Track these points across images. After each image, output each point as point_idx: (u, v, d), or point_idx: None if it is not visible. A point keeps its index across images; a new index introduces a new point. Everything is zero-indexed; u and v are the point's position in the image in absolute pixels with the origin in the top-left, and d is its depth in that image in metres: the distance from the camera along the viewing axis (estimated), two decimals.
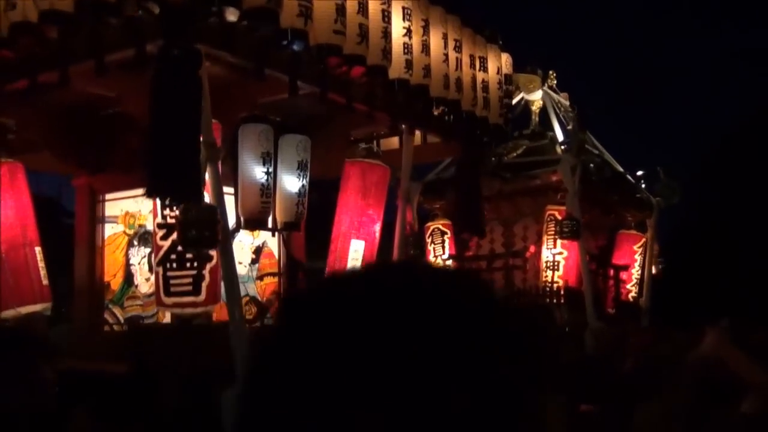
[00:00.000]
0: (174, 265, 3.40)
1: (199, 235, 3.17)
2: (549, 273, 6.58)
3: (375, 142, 5.70)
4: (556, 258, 6.60)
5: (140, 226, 4.48)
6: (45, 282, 4.55)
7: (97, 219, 4.64)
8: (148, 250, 4.42)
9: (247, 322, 4.62)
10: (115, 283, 4.54)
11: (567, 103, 7.35)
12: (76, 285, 4.63)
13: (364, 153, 5.29)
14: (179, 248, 3.47)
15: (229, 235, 3.54)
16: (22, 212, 4.52)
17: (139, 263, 4.46)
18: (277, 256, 4.96)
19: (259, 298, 4.82)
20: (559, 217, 6.53)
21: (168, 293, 3.44)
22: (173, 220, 3.45)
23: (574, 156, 6.09)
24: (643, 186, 7.63)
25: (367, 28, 3.60)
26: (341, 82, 3.82)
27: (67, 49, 3.04)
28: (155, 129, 2.80)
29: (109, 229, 4.61)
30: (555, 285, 6.52)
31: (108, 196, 4.65)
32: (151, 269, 4.43)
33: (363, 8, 3.58)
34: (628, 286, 7.58)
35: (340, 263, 4.94)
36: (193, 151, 2.87)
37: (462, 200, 5.31)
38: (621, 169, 7.60)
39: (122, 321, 4.49)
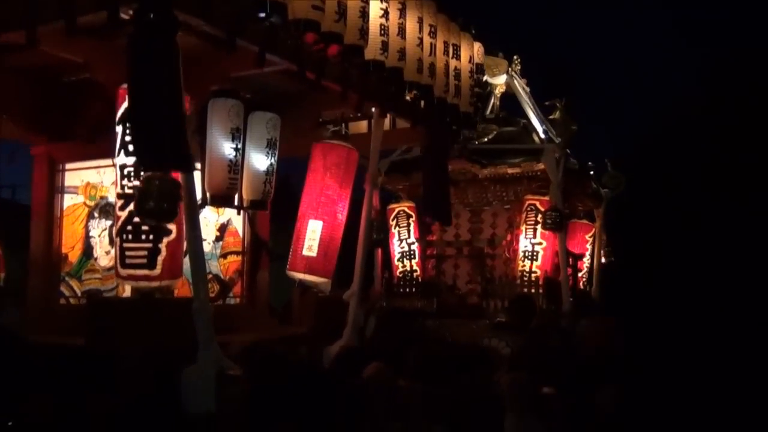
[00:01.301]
0: (130, 236, 3.31)
1: (157, 207, 3.08)
2: (527, 262, 6.66)
3: (343, 124, 5.69)
4: (535, 248, 6.69)
5: (102, 197, 4.37)
6: None
7: (55, 189, 4.51)
8: (109, 222, 4.31)
9: (210, 300, 4.58)
10: (73, 255, 4.42)
11: (528, 89, 7.38)
12: (31, 256, 4.50)
13: (331, 135, 5.26)
14: (136, 219, 3.38)
15: (197, 210, 3.47)
16: None
17: (99, 236, 4.35)
18: (241, 235, 4.90)
19: (222, 276, 4.76)
20: (541, 208, 6.62)
21: (123, 265, 3.36)
22: (132, 191, 3.38)
23: (563, 147, 6.14)
24: (593, 176, 7.78)
25: (346, 6, 3.57)
26: (316, 60, 3.77)
27: (35, 8, 2.93)
28: (136, 97, 2.72)
29: (69, 200, 4.48)
30: (533, 275, 6.60)
31: (68, 166, 4.51)
32: (111, 242, 4.33)
33: None
34: (580, 275, 7.70)
35: (298, 243, 4.90)
36: (180, 119, 2.81)
37: (430, 187, 5.31)
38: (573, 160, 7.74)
39: (79, 294, 4.38)
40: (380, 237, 5.67)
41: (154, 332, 3.45)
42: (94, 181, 4.41)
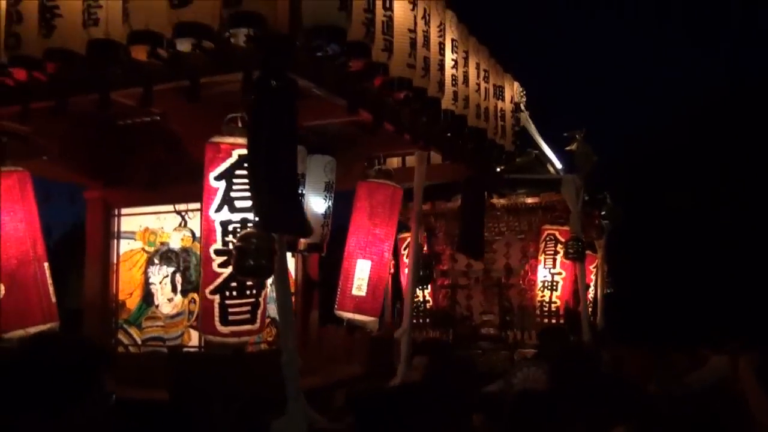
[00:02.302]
0: (234, 293, 3.30)
1: (257, 264, 3.11)
2: (546, 293, 6.77)
3: (377, 160, 5.73)
4: (554, 278, 6.80)
5: (162, 243, 4.31)
6: (53, 299, 4.29)
7: (111, 234, 4.43)
8: (171, 269, 4.27)
9: (268, 344, 4.57)
10: (132, 302, 4.35)
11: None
12: (87, 303, 4.40)
13: (376, 173, 5.30)
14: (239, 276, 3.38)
15: (286, 263, 3.48)
16: (31, 225, 4.24)
17: (160, 282, 4.29)
18: (293, 277, 4.89)
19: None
20: (561, 238, 6.74)
21: (225, 322, 3.34)
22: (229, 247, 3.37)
23: (582, 178, 6.29)
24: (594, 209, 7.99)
25: (430, 60, 3.64)
26: (393, 110, 3.81)
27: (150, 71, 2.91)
28: (259, 161, 2.73)
29: (125, 246, 4.40)
30: (553, 305, 6.71)
31: (124, 211, 4.44)
32: (174, 289, 4.29)
33: (427, 41, 3.62)
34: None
35: (347, 283, 4.93)
36: (296, 181, 2.83)
37: (467, 224, 5.40)
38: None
39: (139, 342, 4.31)
40: (427, 273, 5.73)
41: (244, 386, 3.44)
42: (154, 227, 4.35)
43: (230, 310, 3.32)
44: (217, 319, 3.33)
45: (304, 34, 2.77)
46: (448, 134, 4.41)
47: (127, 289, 4.37)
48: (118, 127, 4.39)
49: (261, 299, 3.44)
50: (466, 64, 4.26)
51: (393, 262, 5.93)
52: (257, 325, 3.43)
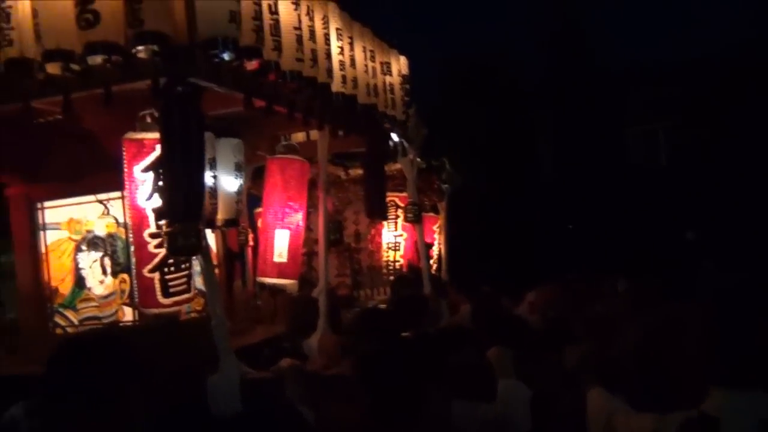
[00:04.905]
0: (173, 268, 3.79)
1: (187, 243, 3.59)
2: (391, 253, 7.54)
3: (284, 136, 6.20)
4: (397, 239, 7.58)
5: (88, 231, 4.69)
6: None
7: (37, 226, 4.75)
8: (99, 254, 4.66)
9: (197, 312, 5.05)
10: (65, 287, 4.72)
11: None
12: (21, 292, 4.74)
13: (284, 149, 5.78)
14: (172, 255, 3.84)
15: (206, 238, 3.97)
16: None
17: (90, 267, 4.68)
18: (215, 250, 5.35)
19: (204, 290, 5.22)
20: (400, 203, 7.48)
21: (167, 294, 3.83)
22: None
23: (416, 150, 6.88)
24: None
25: (317, 51, 4.14)
26: (286, 96, 4.29)
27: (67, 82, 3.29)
28: (168, 160, 3.18)
29: (53, 236, 4.75)
30: (397, 264, 7.48)
31: (47, 204, 4.76)
32: (104, 272, 4.69)
33: (312, 35, 4.10)
34: (431, 261, 8.46)
35: (267, 252, 5.46)
36: (202, 178, 3.30)
37: (372, 189, 5.99)
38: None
39: (76, 323, 4.70)
40: (336, 237, 6.29)
41: (180, 350, 3.95)
42: (78, 217, 4.70)
43: (170, 284, 3.80)
44: (159, 293, 3.81)
45: (201, 45, 3.22)
46: (344, 112, 4.94)
47: (59, 275, 4.73)
48: (34, 126, 4.67)
49: (192, 270, 3.93)
50: (352, 49, 4.77)
51: None
52: (192, 293, 3.94)
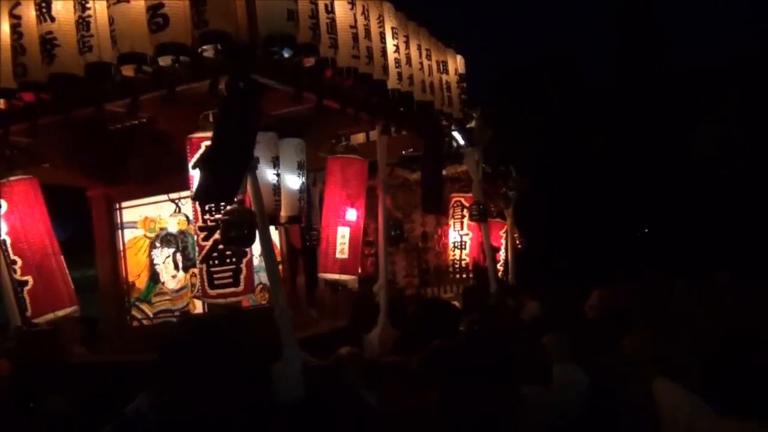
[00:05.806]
0: (216, 261, 3.98)
1: (239, 234, 3.77)
2: (457, 252, 7.63)
3: (344, 138, 6.38)
4: (463, 239, 7.68)
5: (161, 229, 4.97)
6: (72, 286, 4.96)
7: (115, 226, 5.07)
8: (171, 250, 4.93)
9: (262, 306, 5.25)
10: (141, 282, 5.01)
11: None
12: (102, 287, 5.06)
13: (344, 149, 5.95)
14: (220, 246, 4.04)
15: (269, 232, 4.15)
16: (45, 224, 4.90)
17: (163, 262, 4.96)
18: (279, 247, 5.56)
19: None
20: (465, 203, 7.58)
21: (212, 286, 4.02)
22: (213, 223, 4.04)
23: (481, 150, 6.97)
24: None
25: (372, 49, 4.28)
26: (342, 93, 4.45)
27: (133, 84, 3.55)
28: (214, 144, 3.37)
29: (129, 234, 5.06)
30: (463, 262, 7.55)
31: (124, 204, 5.08)
32: (176, 267, 4.96)
33: (368, 33, 4.26)
34: (498, 265, 8.59)
35: (329, 248, 5.62)
36: (246, 165, 3.49)
37: (429, 185, 6.08)
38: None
39: (151, 316, 4.99)
40: (397, 234, 6.42)
41: (245, 337, 4.12)
42: (152, 215, 5.00)
43: (216, 276, 4.00)
44: (206, 284, 4.02)
45: (261, 43, 3.41)
46: (400, 109, 5.07)
47: (135, 271, 5.03)
48: (111, 131, 5.00)
49: (243, 266, 4.10)
50: (407, 47, 4.90)
51: None
52: (241, 287, 4.10)
